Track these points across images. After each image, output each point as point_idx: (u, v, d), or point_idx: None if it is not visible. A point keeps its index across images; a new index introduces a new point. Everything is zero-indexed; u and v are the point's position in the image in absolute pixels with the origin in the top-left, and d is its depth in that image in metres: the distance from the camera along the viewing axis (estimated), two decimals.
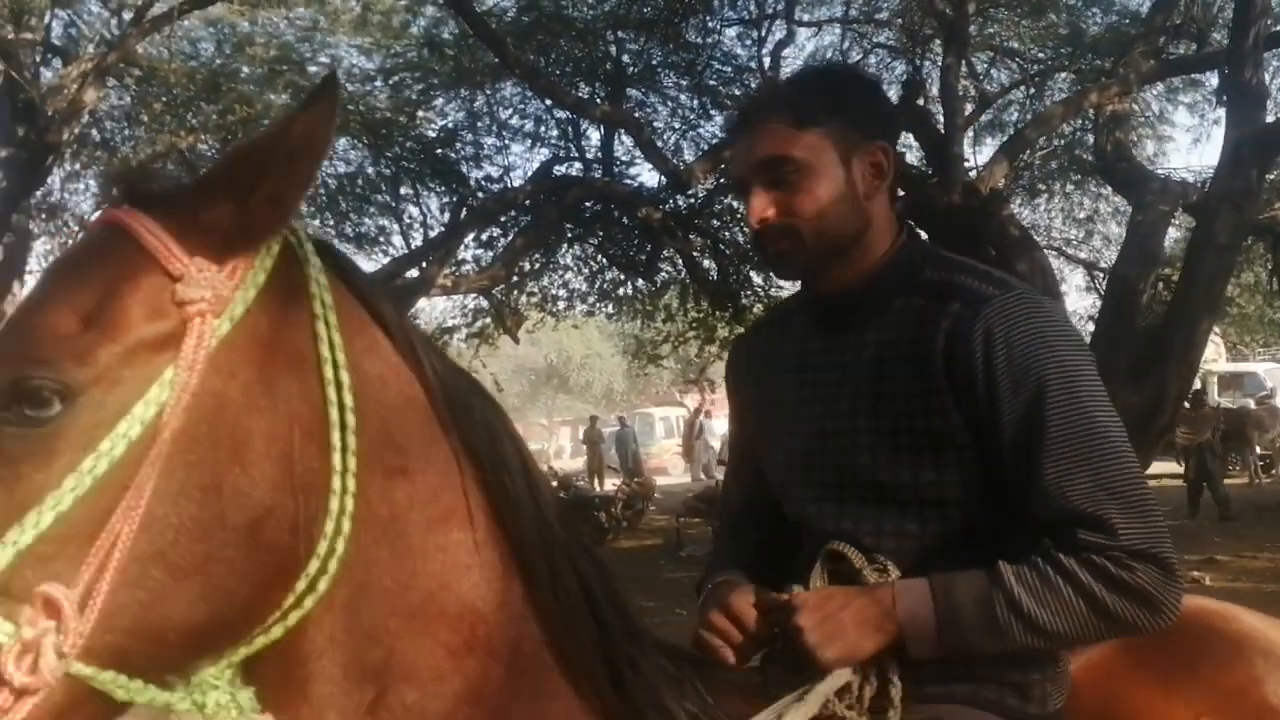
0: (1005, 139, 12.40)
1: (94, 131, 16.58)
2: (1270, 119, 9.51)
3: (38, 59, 13.99)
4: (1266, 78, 9.80)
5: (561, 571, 1.14)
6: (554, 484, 19.19)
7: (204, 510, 0.95)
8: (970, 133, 14.94)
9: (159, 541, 0.93)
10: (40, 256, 18.14)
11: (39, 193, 15.92)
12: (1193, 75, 13.72)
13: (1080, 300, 20.62)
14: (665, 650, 1.28)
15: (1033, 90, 14.53)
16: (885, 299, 1.48)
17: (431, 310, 21.86)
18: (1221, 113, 13.92)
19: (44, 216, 17.12)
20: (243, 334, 1.00)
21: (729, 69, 14.96)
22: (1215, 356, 24.63)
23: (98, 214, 1.07)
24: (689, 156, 14.43)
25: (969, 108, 14.60)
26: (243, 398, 0.99)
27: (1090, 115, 11.27)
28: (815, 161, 1.46)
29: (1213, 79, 13.41)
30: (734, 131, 1.55)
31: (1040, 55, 14.13)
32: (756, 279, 18.57)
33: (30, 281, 17.03)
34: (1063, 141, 14.78)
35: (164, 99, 15.50)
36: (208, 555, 0.95)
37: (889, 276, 1.49)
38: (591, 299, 18.41)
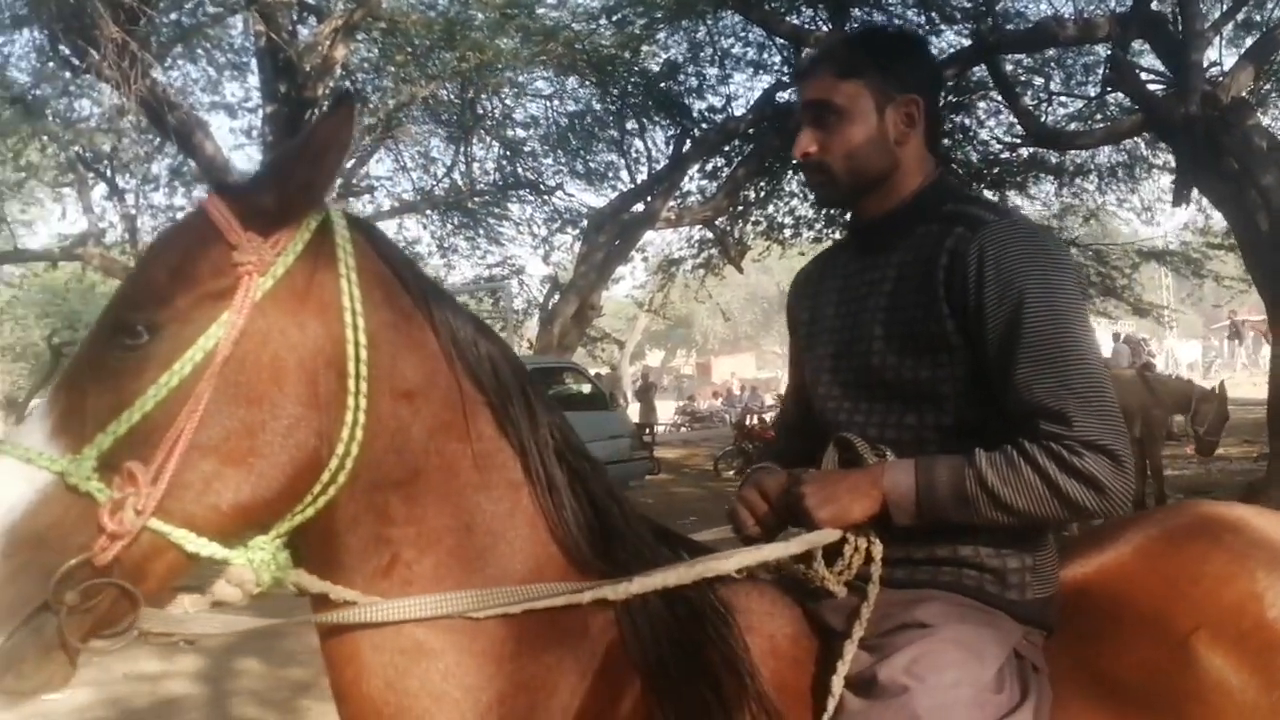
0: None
1: (346, 84, 17.80)
2: None
3: (294, 19, 15.06)
4: None
5: (553, 471, 1.46)
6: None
7: (248, 416, 1.30)
8: (1227, 33, 13.86)
9: (213, 437, 1.28)
10: None
11: None
12: None
13: None
14: (668, 535, 1.60)
15: None
16: (910, 227, 1.67)
17: (661, 242, 22.29)
18: None
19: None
20: (282, 288, 1.34)
21: None
22: None
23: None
24: None
25: (1221, 7, 13.51)
26: (280, 335, 1.33)
27: None
28: (852, 108, 1.67)
29: None
30: (795, 79, 1.82)
31: None
32: (991, 197, 17.88)
33: None
34: None
35: (406, 50, 16.41)
36: (250, 449, 1.29)
37: (915, 208, 1.68)
38: (819, 225, 18.27)
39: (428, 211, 20.04)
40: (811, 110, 1.69)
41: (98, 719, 5.83)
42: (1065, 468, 1.45)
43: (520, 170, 19.67)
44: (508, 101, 18.90)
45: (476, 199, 19.78)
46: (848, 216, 1.83)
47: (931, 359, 1.58)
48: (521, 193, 19.91)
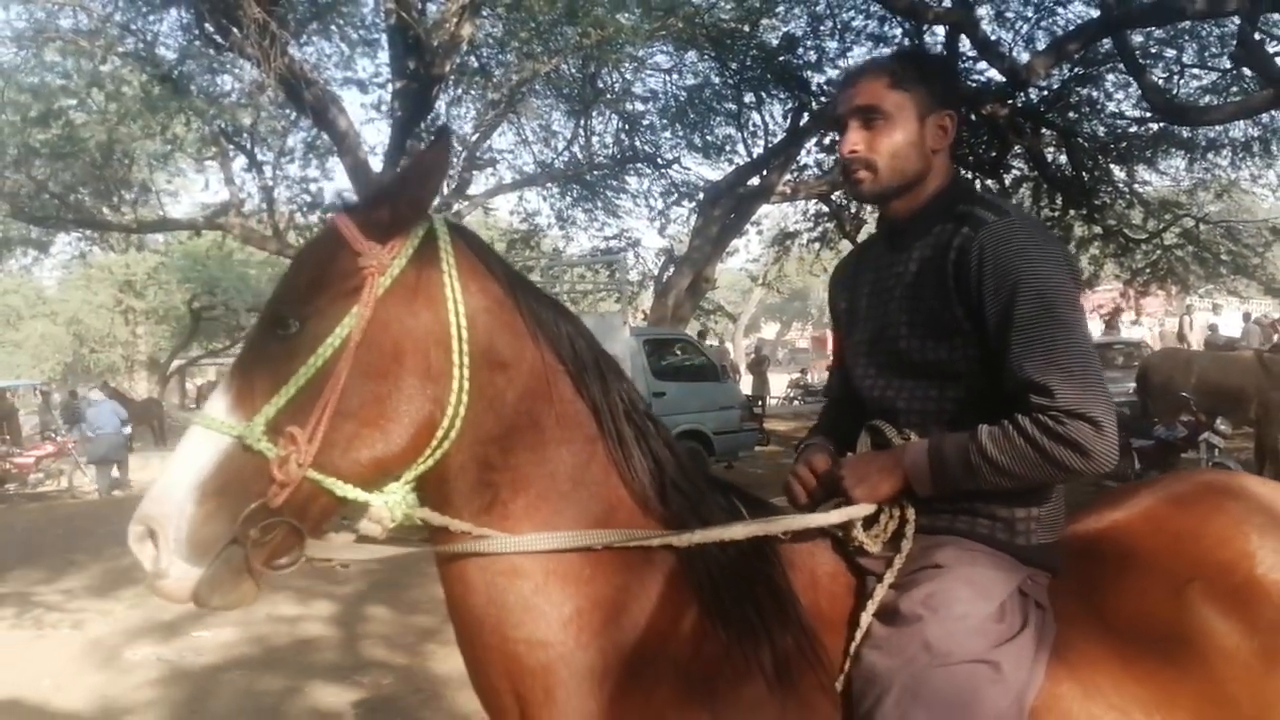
0: None
1: (472, 60, 18.28)
2: None
3: None
4: None
5: (623, 429, 1.76)
6: None
7: (378, 388, 1.62)
8: None
9: (352, 405, 1.60)
10: None
11: (429, 118, 17.89)
12: None
13: None
14: (723, 485, 1.89)
15: None
16: (930, 225, 1.90)
17: (777, 215, 22.33)
18: None
19: (434, 139, 19.16)
20: (399, 285, 1.65)
21: None
22: None
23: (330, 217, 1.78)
24: (1044, 45, 13.76)
25: None
26: (399, 322, 1.64)
27: None
28: (898, 114, 1.90)
29: None
30: (840, 85, 2.00)
31: None
32: (1118, 173, 17.54)
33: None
34: None
35: (530, 26, 16.77)
36: (381, 414, 1.62)
37: (934, 208, 1.91)
38: None
39: (547, 184, 20.50)
40: (860, 114, 1.91)
41: (243, 654, 6.37)
42: (1051, 435, 1.67)
43: (638, 143, 19.95)
44: (627, 76, 19.19)
45: (595, 172, 20.15)
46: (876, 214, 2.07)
47: (948, 342, 1.82)
48: (639, 166, 20.20)
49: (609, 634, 1.69)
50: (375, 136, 51.39)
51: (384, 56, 16.65)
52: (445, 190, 19.55)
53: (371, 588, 7.70)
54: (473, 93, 19.00)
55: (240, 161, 18.65)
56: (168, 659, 6.29)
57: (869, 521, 1.83)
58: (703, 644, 1.68)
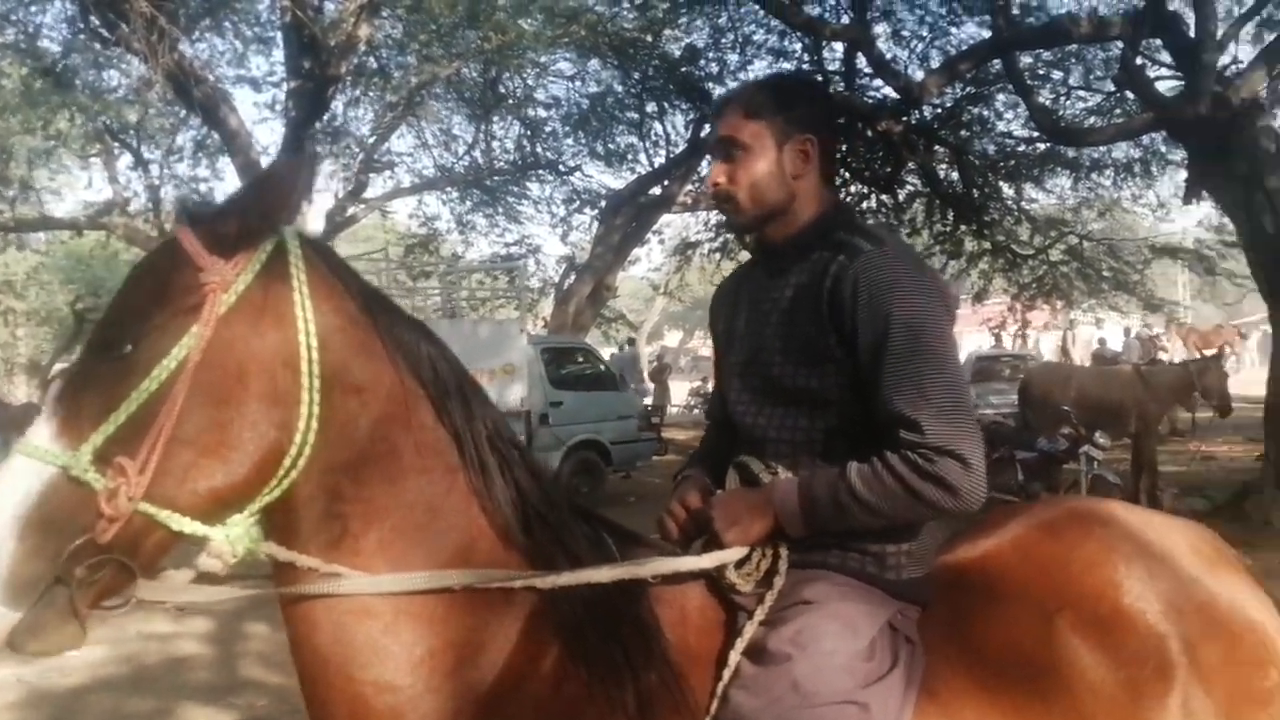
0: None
1: (370, 61, 17.99)
2: None
3: None
4: None
5: (486, 457, 1.68)
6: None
7: (218, 414, 1.51)
8: (1246, 32, 13.81)
9: (189, 432, 1.49)
10: (327, 177, 20.08)
11: (325, 119, 17.54)
12: None
13: None
14: (592, 518, 1.83)
15: None
16: (807, 251, 1.88)
17: (677, 225, 22.42)
18: None
19: (329, 140, 18.85)
20: (244, 302, 1.55)
21: None
22: None
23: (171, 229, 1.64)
24: (938, 64, 14.04)
25: (1242, 5, 13.49)
26: (242, 342, 1.54)
27: None
28: (755, 145, 1.89)
29: None
30: (710, 118, 2.01)
31: None
32: (1006, 190, 18.00)
33: (317, 201, 18.89)
34: None
35: (430, 28, 16.57)
36: (222, 441, 1.51)
37: (811, 235, 1.90)
38: None
39: (447, 188, 20.27)
40: (722, 146, 1.91)
41: (112, 675, 6.11)
42: (920, 472, 1.66)
43: (540, 150, 19.86)
44: (529, 81, 19.10)
45: (496, 177, 20.00)
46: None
47: (820, 370, 1.80)
48: (541, 172, 20.11)
49: (463, 676, 1.61)
50: (269, 136, 50.28)
51: (279, 55, 16.37)
52: (341, 193, 19.26)
53: (250, 604, 7.44)
54: (371, 94, 18.70)
55: (126, 160, 18.08)
56: (29, 680, 5.98)
57: (741, 560, 1.79)
58: (563, 684, 1.62)
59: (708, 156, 1.94)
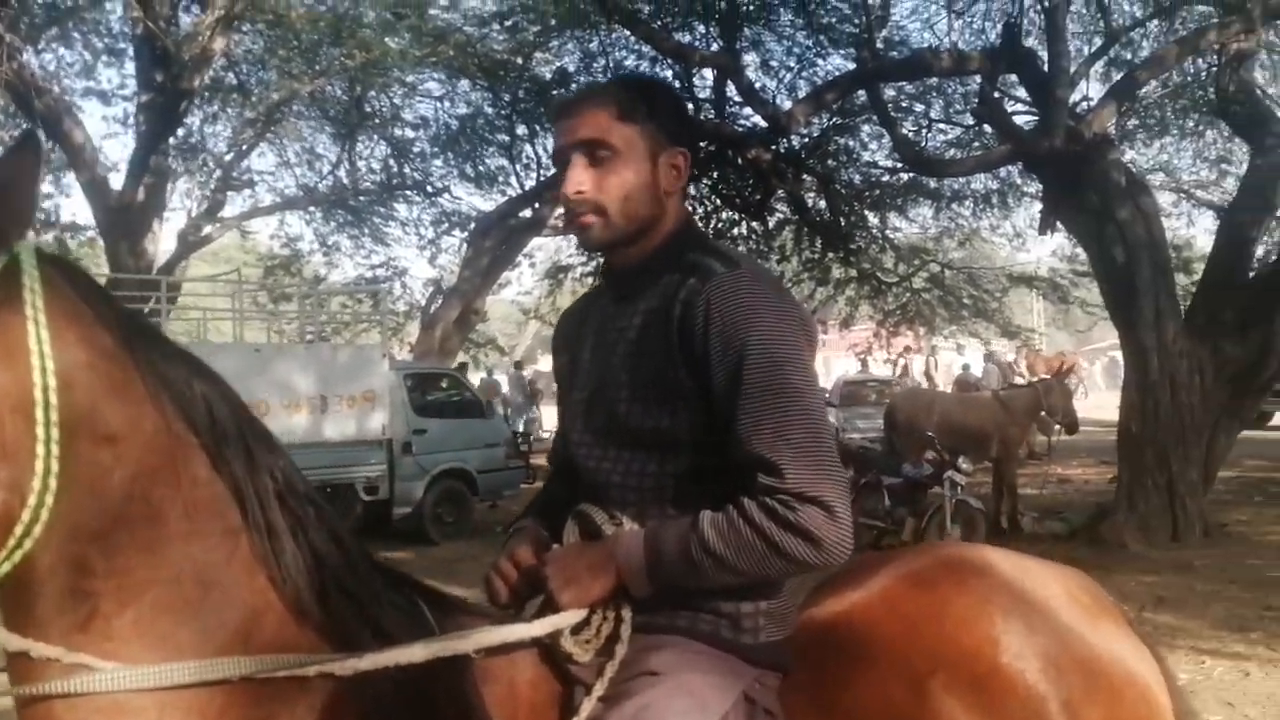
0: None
1: (230, 76, 17.36)
2: None
3: (174, 6, 14.63)
4: None
5: (274, 517, 1.41)
6: None
7: None
8: (1098, 69, 14.41)
9: None
10: (183, 195, 19.26)
11: (180, 134, 16.82)
12: None
13: (1209, 244, 19.62)
14: (405, 584, 1.59)
15: (1164, 25, 13.88)
16: (657, 274, 1.68)
17: (550, 248, 22.26)
18: None
19: (184, 157, 18.09)
20: None
21: (844, 6, 14.66)
22: None
23: None
24: (803, 95, 14.23)
25: (1096, 44, 14.07)
26: None
27: (1216, 53, 10.77)
28: (628, 151, 1.66)
29: None
30: (558, 113, 1.72)
31: None
32: (872, 219, 18.40)
33: (170, 219, 18.06)
34: (1189, 78, 14.14)
35: (292, 44, 16.07)
36: None
37: (662, 256, 1.69)
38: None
39: (310, 208, 19.66)
40: (585, 148, 1.66)
41: None
42: (780, 522, 1.48)
43: (408, 170, 19.45)
44: (396, 101, 18.70)
45: (362, 197, 19.48)
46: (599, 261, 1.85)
47: (670, 407, 1.60)
48: (408, 193, 19.68)
49: None
50: (119, 152, 48.18)
51: (132, 68, 15.67)
52: (195, 210, 18.47)
53: None
54: (230, 110, 18.04)
55: None
56: None
57: (579, 625, 1.58)
58: None
59: (569, 159, 1.68)
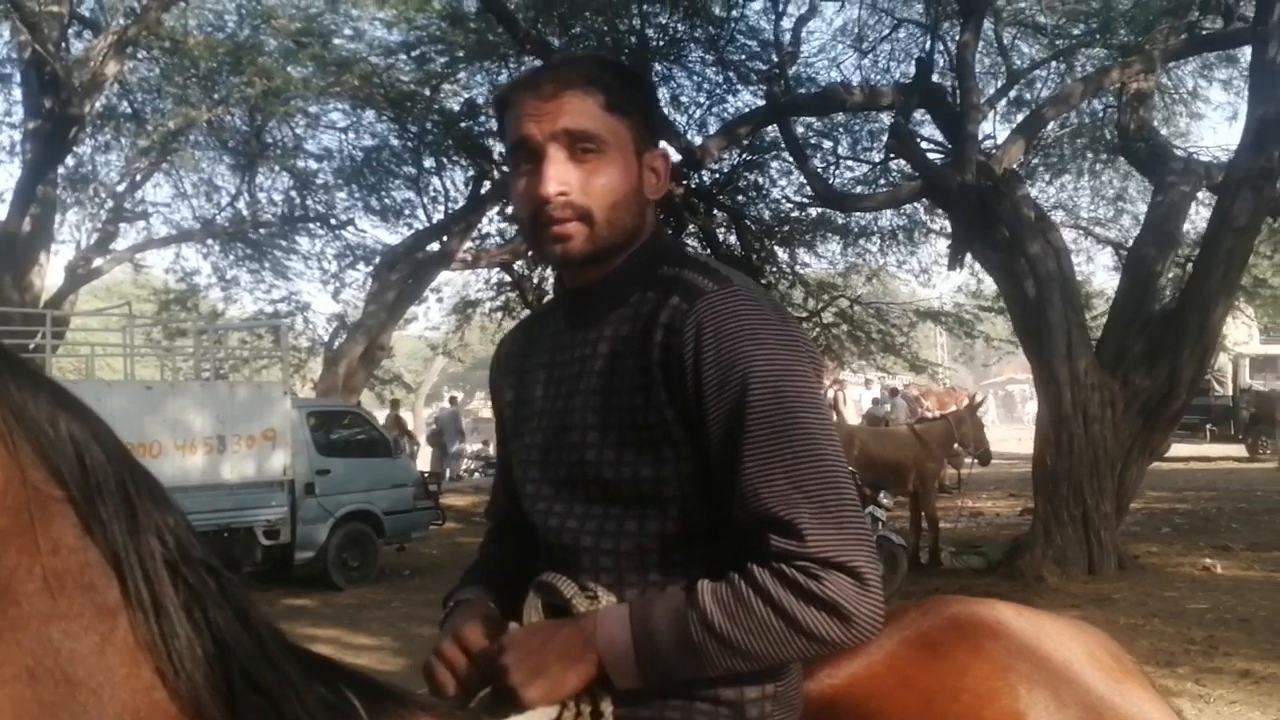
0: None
1: (124, 103, 16.74)
2: None
3: (64, 32, 14.06)
4: None
5: (162, 591, 1.11)
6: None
7: None
8: (1001, 108, 14.75)
9: None
10: (73, 226, 18.46)
11: (70, 163, 16.14)
12: (1228, 51, 13.40)
13: (1108, 280, 20.23)
14: (331, 671, 1.25)
15: (1063, 66, 14.27)
16: (625, 293, 1.41)
17: (458, 283, 21.90)
18: None
19: (74, 187, 17.36)
20: None
21: (753, 43, 14.76)
22: (1247, 339, 24.18)
23: None
24: (714, 130, 14.25)
25: (996, 84, 14.39)
26: None
27: (1116, 92, 11.03)
28: (617, 148, 1.39)
29: (1248, 55, 13.11)
30: (527, 92, 1.40)
31: (1069, 30, 13.85)
32: (781, 254, 18.52)
33: (59, 252, 17.24)
34: (1087, 119, 14.54)
35: (189, 71, 15.57)
36: None
37: (630, 271, 1.42)
38: None
39: (208, 241, 19.00)
40: (569, 140, 1.36)
41: None
42: (802, 594, 1.21)
43: (311, 203, 18.94)
44: (299, 131, 18.23)
45: (262, 230, 18.90)
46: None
47: (653, 454, 1.32)
48: (311, 226, 19.15)
49: None
50: (4, 181, 46.35)
51: (19, 93, 15.02)
52: (86, 242, 17.72)
53: None
54: (123, 138, 17.37)
55: None
56: None
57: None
58: None
59: (543, 151, 1.37)
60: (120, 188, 17.91)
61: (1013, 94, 14.69)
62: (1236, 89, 14.88)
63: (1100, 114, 14.09)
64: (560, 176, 1.35)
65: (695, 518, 1.33)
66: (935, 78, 11.29)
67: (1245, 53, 13.00)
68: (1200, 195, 10.98)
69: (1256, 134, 8.40)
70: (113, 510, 1.10)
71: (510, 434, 1.56)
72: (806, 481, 1.23)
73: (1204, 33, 11.14)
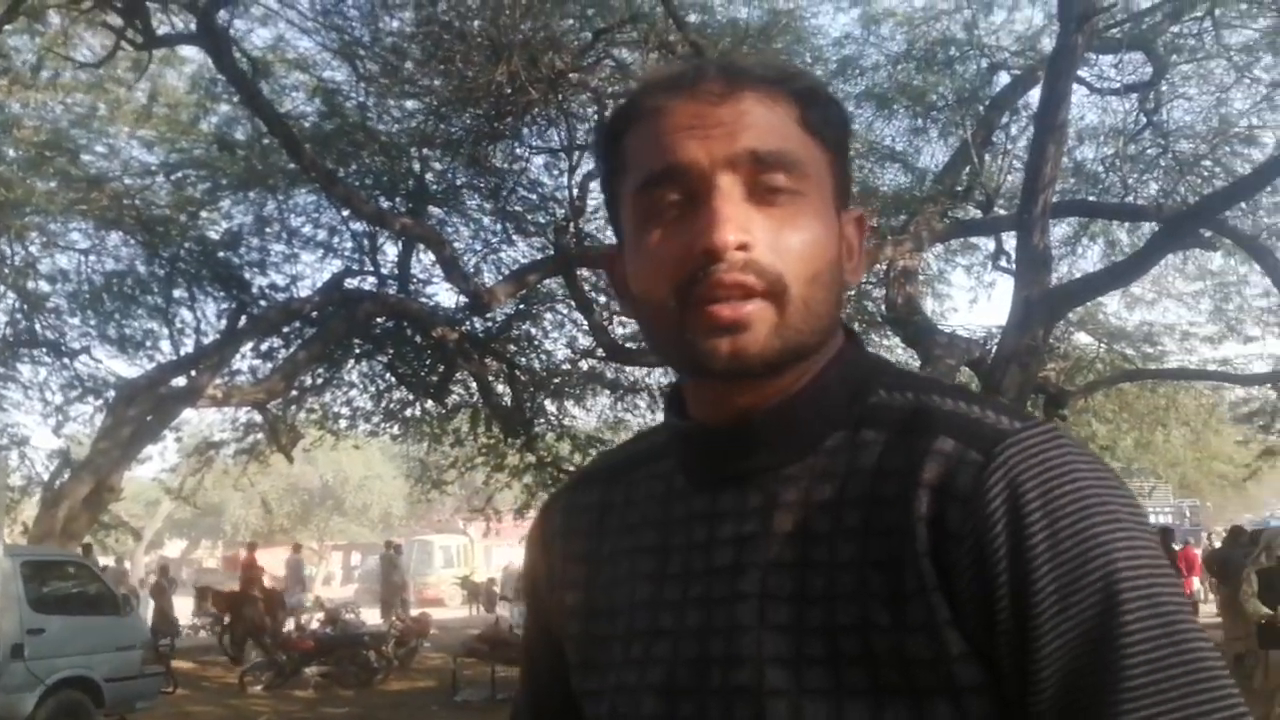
0: None
1: None
2: (1054, 282, 9.92)
3: None
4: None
5: None
6: (320, 615, 17.83)
7: None
8: None
9: None
10: None
11: None
12: (970, 239, 14.59)
13: None
14: None
15: None
16: (815, 434, 0.89)
17: (200, 422, 20.34)
18: (997, 275, 14.85)
19: None
20: None
21: (535, 196, 14.78)
22: None
23: None
24: (489, 280, 14.05)
25: None
26: None
27: (882, 269, 11.64)
28: (818, 190, 0.90)
29: (989, 243, 14.33)
30: (674, 91, 0.89)
31: None
32: (550, 407, 18.33)
33: None
34: (852, 293, 15.35)
35: None
36: None
37: (822, 399, 0.90)
38: (376, 418, 17.64)
39: None
40: (747, 168, 0.86)
41: None
42: None
43: (39, 327, 17.20)
44: (32, 249, 16.65)
45: None
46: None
47: (913, 710, 0.79)
48: (37, 352, 17.36)
49: None
50: None
51: None
52: None
53: None
54: None
55: None
56: None
57: None
58: None
59: (711, 182, 0.83)
60: None
61: None
62: (977, 274, 16.21)
63: (860, 288, 14.93)
64: (741, 222, 0.84)
65: None
66: None
67: (988, 241, 14.23)
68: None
69: (1023, 313, 8.95)
70: None
71: (574, 645, 1.00)
72: None
73: (968, 219, 12.00)
